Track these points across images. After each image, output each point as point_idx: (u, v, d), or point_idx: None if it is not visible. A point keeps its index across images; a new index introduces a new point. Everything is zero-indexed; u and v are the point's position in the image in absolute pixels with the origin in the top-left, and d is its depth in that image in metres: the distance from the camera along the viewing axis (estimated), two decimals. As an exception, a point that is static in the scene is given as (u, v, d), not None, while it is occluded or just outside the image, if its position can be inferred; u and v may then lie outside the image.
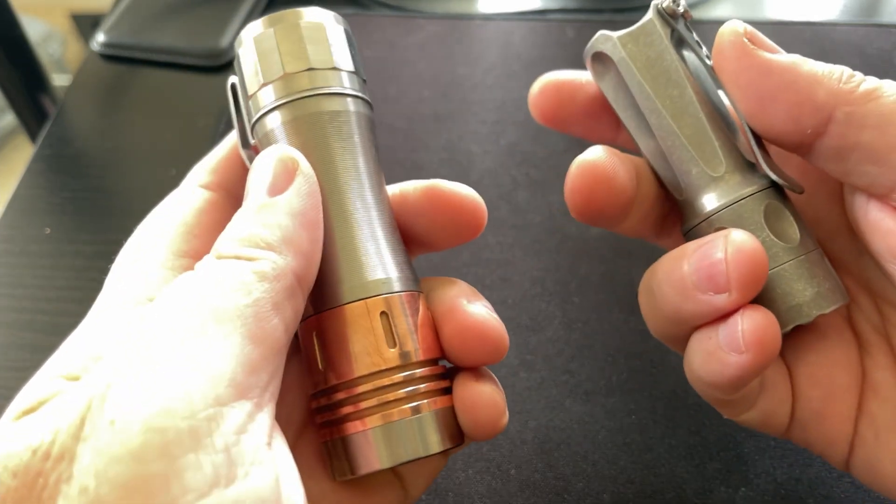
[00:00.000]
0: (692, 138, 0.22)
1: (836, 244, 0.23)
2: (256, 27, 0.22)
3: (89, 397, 0.15)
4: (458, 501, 0.27)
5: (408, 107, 0.44)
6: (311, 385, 0.21)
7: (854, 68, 0.24)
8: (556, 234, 0.36)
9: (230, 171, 0.23)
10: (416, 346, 0.20)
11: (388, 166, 0.40)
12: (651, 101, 0.23)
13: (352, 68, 0.23)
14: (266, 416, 0.17)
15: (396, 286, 0.21)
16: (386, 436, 0.19)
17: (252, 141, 0.22)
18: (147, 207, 0.36)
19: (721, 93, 0.23)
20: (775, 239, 0.21)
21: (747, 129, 0.22)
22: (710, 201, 0.22)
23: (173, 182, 0.41)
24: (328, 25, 0.22)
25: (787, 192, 0.22)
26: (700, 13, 0.51)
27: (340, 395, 0.20)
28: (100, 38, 0.49)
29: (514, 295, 0.34)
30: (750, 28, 0.22)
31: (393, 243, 0.21)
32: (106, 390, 0.15)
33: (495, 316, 0.21)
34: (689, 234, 0.23)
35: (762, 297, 0.21)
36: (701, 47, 0.23)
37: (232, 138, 0.24)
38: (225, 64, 0.48)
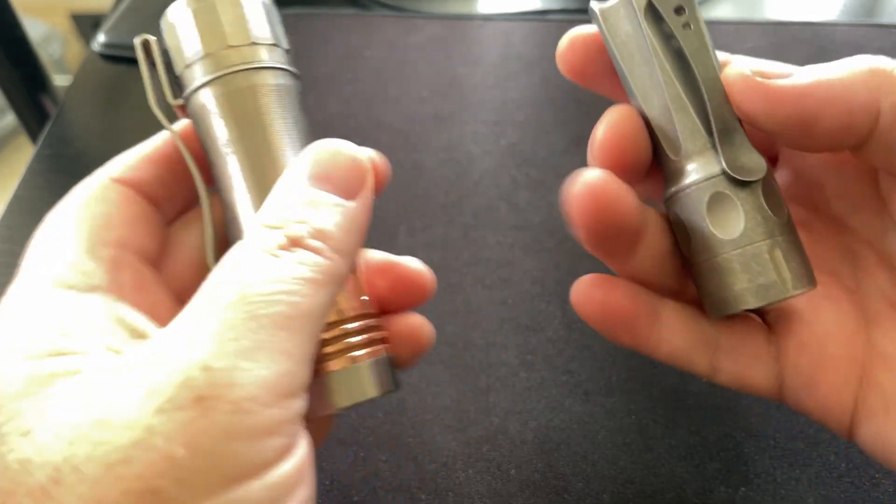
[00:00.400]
0: (657, 120, 0.22)
1: (860, 217, 0.23)
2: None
3: (162, 374, 0.16)
4: (459, 501, 0.27)
5: (408, 107, 0.44)
6: None
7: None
8: (556, 235, 0.36)
9: (149, 171, 0.23)
10: (366, 298, 0.22)
11: (389, 167, 0.40)
12: (624, 78, 0.23)
13: (285, 44, 0.23)
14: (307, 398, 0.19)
15: None
16: (329, 383, 0.21)
17: (175, 101, 0.23)
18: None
19: (698, 71, 0.22)
20: (712, 230, 0.21)
21: (712, 119, 0.22)
22: (667, 185, 0.23)
23: (173, 182, 0.41)
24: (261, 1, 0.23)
25: (770, 175, 0.22)
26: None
27: None
28: (100, 38, 0.50)
29: (514, 295, 0.34)
30: (753, 65, 0.21)
31: None
32: (184, 366, 0.16)
33: (424, 266, 0.24)
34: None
35: (702, 283, 0.22)
36: (687, 23, 0.22)
37: (154, 141, 0.24)
38: (225, 64, 0.48)
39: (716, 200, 0.22)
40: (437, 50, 0.48)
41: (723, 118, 0.22)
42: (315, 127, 0.44)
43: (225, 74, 0.22)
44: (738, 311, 0.22)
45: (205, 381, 0.16)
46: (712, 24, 0.48)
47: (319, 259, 0.19)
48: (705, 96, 0.22)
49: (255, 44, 0.22)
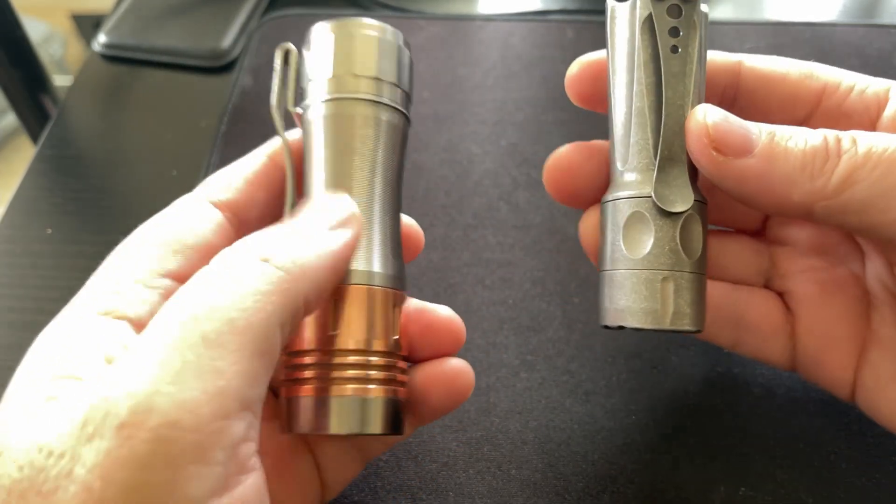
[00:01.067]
0: (617, 127, 0.23)
1: None
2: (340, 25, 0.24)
3: (97, 400, 0.16)
4: (459, 501, 0.27)
5: (408, 107, 0.44)
6: (291, 342, 0.22)
7: (854, 69, 0.25)
8: (556, 235, 0.36)
9: (248, 194, 0.23)
10: (398, 337, 0.23)
11: (389, 167, 0.40)
12: (609, 77, 0.24)
13: (406, 87, 0.25)
14: (258, 423, 0.18)
15: (397, 284, 0.23)
16: (331, 405, 0.21)
17: (294, 109, 0.24)
18: (148, 208, 0.36)
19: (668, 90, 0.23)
20: (622, 244, 0.23)
21: (660, 144, 0.22)
22: (607, 189, 0.24)
23: (174, 182, 0.41)
24: (397, 44, 0.25)
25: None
26: (700, 14, 0.51)
27: (317, 359, 0.22)
28: (101, 38, 0.50)
29: (515, 295, 0.34)
30: (714, 127, 0.21)
31: (395, 247, 0.24)
32: (112, 393, 0.16)
33: (455, 314, 0.24)
34: None
35: (600, 289, 0.24)
36: (676, 46, 0.22)
37: (255, 159, 0.24)
38: (226, 65, 0.48)
39: (634, 219, 0.22)
40: (437, 50, 0.48)
41: (671, 147, 0.22)
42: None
43: (338, 98, 0.23)
44: (616, 326, 0.23)
45: (125, 407, 0.15)
46: (712, 25, 0.48)
47: (269, 269, 0.18)
48: (662, 122, 0.22)
49: (377, 79, 0.23)
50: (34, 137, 0.55)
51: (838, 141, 0.21)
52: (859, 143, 0.20)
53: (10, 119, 1.04)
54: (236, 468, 0.16)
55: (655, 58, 0.22)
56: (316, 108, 0.23)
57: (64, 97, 0.48)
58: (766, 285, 0.28)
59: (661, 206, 0.22)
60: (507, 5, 0.52)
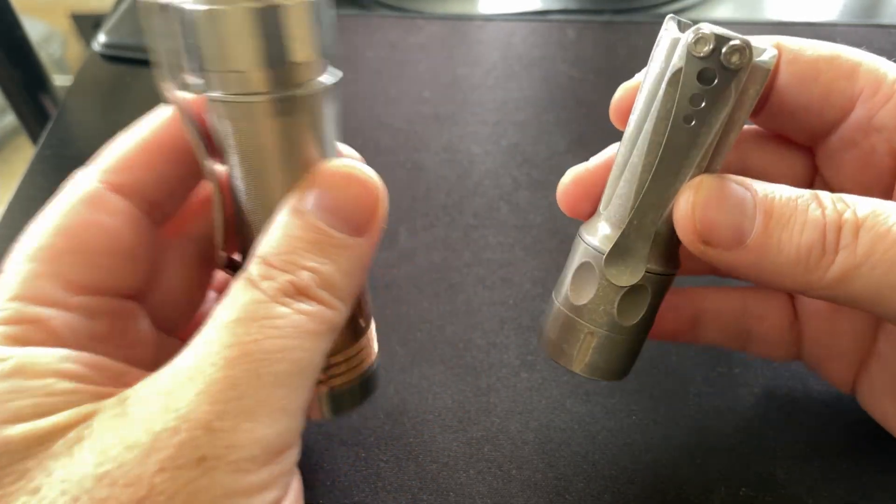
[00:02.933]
0: (616, 167, 0.22)
1: None
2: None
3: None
4: (460, 501, 0.27)
5: (408, 107, 0.44)
6: None
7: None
8: (557, 235, 0.36)
9: (145, 170, 0.21)
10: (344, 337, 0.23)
11: (389, 167, 0.40)
12: (635, 100, 0.22)
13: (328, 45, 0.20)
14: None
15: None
16: (333, 396, 0.23)
17: (193, 91, 0.20)
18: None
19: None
20: (567, 283, 0.23)
21: (634, 213, 0.21)
22: (588, 219, 0.23)
23: (174, 182, 0.41)
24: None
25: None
26: (700, 13, 0.51)
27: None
28: (101, 38, 0.50)
29: (515, 295, 0.34)
30: (702, 220, 0.20)
31: None
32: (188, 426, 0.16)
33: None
34: None
35: (547, 310, 0.24)
36: (691, 116, 0.20)
37: (148, 127, 0.21)
38: (226, 64, 0.48)
39: (585, 268, 0.22)
40: (437, 50, 0.48)
41: (643, 220, 0.21)
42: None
43: (245, 102, 0.19)
44: (541, 349, 0.24)
45: (207, 441, 0.16)
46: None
47: (323, 310, 0.18)
48: (643, 193, 0.21)
49: (315, 60, 0.19)
50: (34, 137, 0.55)
51: (838, 231, 0.19)
52: (861, 236, 0.18)
53: (10, 119, 1.04)
54: (289, 486, 0.18)
55: (668, 118, 0.20)
56: (220, 106, 0.19)
57: (64, 97, 0.48)
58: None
59: (606, 275, 0.22)
60: (508, 5, 0.52)
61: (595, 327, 0.22)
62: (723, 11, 0.52)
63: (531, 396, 0.30)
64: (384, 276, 0.35)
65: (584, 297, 0.22)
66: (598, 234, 0.22)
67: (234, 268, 0.22)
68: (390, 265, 0.35)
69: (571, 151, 0.40)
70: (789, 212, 0.19)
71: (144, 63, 0.49)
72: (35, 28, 1.07)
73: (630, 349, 0.23)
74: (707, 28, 0.18)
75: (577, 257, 0.23)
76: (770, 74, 0.20)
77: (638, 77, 0.23)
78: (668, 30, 0.20)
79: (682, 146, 0.20)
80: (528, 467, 0.28)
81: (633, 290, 0.22)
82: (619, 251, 0.21)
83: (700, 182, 0.20)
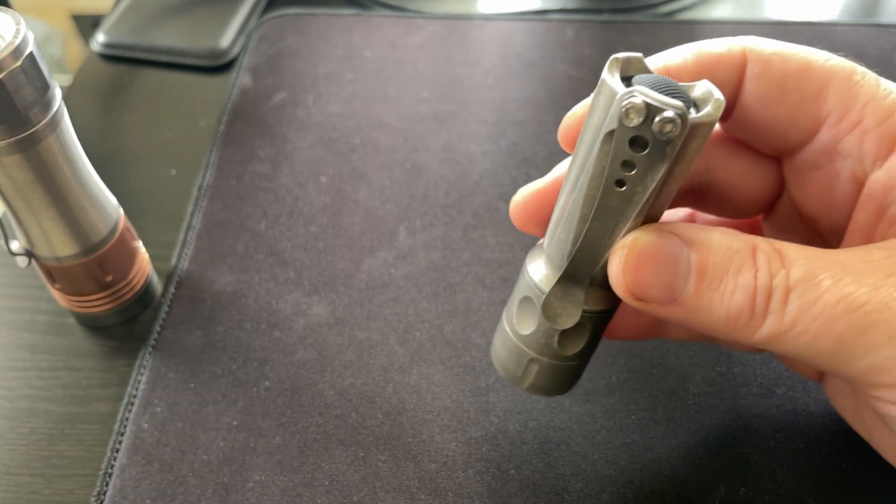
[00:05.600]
0: (558, 207, 0.22)
1: None
2: None
3: None
4: (458, 501, 0.27)
5: (408, 107, 0.44)
6: None
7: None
8: (556, 235, 0.36)
9: None
10: None
11: (388, 166, 0.40)
12: (574, 154, 0.21)
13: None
14: None
15: None
16: None
17: None
18: (147, 207, 0.36)
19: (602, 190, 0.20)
20: (514, 315, 0.23)
21: (569, 259, 0.21)
22: (536, 246, 0.24)
23: (173, 182, 0.41)
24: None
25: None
26: (700, 13, 0.50)
27: None
28: (100, 38, 0.49)
29: (514, 295, 0.34)
30: (633, 283, 0.20)
31: None
32: None
33: None
34: None
35: (499, 327, 0.25)
36: (623, 181, 0.19)
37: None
38: (225, 64, 0.48)
39: (527, 302, 0.23)
40: (437, 50, 0.48)
41: (577, 269, 0.21)
42: (315, 127, 0.44)
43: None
44: (492, 362, 0.25)
45: None
46: (713, 25, 0.48)
47: None
48: (577, 246, 0.20)
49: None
50: (33, 137, 0.55)
51: (768, 297, 0.19)
52: (790, 303, 0.19)
53: (10, 119, 1.03)
54: None
55: (601, 178, 0.19)
56: None
57: (63, 97, 0.48)
58: None
59: (544, 317, 0.22)
60: (507, 4, 0.52)
61: (537, 355, 0.23)
62: (722, 11, 0.52)
63: (530, 396, 0.30)
64: (383, 276, 0.35)
65: (527, 328, 0.23)
66: (539, 270, 0.22)
67: None
68: (389, 264, 0.35)
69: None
70: (721, 273, 0.19)
71: (143, 63, 0.49)
72: (35, 28, 1.07)
73: (573, 373, 0.24)
74: (639, 97, 0.17)
75: (521, 288, 0.23)
76: (714, 124, 0.19)
77: (584, 103, 0.23)
78: (607, 80, 0.19)
79: (614, 208, 0.19)
80: (527, 467, 0.28)
81: (571, 329, 0.22)
82: (555, 297, 0.22)
83: (634, 241, 0.20)
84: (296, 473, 0.28)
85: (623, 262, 0.20)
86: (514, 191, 0.38)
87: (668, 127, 0.17)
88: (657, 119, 0.17)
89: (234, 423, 0.30)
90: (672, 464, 0.28)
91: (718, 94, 0.18)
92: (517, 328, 0.23)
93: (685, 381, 0.30)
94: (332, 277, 0.35)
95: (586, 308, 0.22)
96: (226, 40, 0.48)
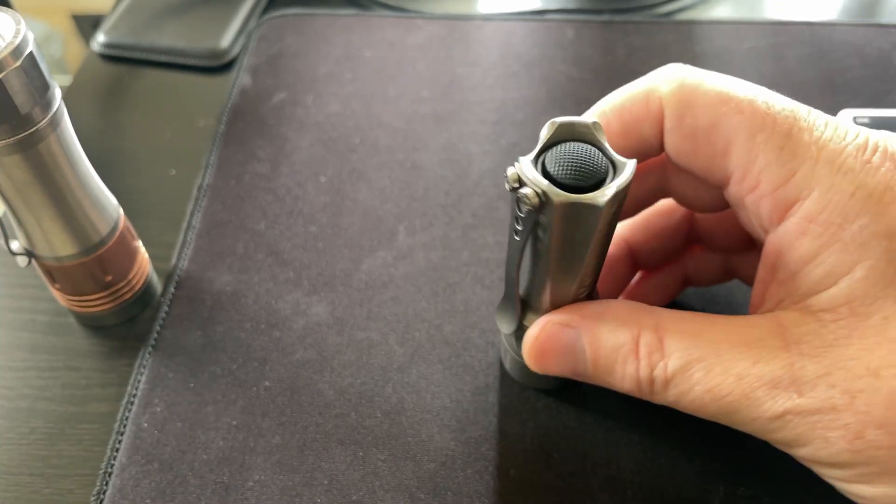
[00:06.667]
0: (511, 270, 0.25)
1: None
2: None
3: None
4: (457, 501, 0.27)
5: (408, 107, 0.44)
6: None
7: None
8: (555, 234, 0.36)
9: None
10: None
11: (388, 166, 0.40)
12: None
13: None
14: None
15: None
16: None
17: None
18: (147, 207, 0.36)
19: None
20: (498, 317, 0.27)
21: (505, 288, 0.25)
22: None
23: (173, 182, 0.41)
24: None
25: None
26: (700, 13, 0.50)
27: None
28: (100, 38, 0.50)
29: (514, 295, 0.34)
30: (541, 366, 0.25)
31: None
32: None
33: None
34: None
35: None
36: (517, 222, 0.22)
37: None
38: (225, 64, 0.48)
39: (502, 308, 0.27)
40: (436, 50, 0.48)
41: (511, 293, 0.25)
42: (315, 127, 0.44)
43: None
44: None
45: None
46: (711, 25, 0.48)
47: None
48: (509, 275, 0.24)
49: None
50: (33, 137, 0.55)
51: (651, 384, 0.22)
52: (669, 390, 0.22)
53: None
54: None
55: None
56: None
57: (63, 97, 0.48)
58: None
59: (496, 321, 0.27)
60: (507, 5, 0.52)
61: (508, 347, 0.29)
62: (722, 11, 0.52)
63: (529, 396, 0.30)
64: (382, 276, 0.35)
65: (507, 326, 0.27)
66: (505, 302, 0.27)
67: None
68: (388, 264, 0.35)
69: (570, 151, 0.40)
70: (611, 363, 0.23)
71: (143, 63, 0.49)
72: (35, 28, 1.07)
73: (531, 371, 0.26)
74: (512, 169, 0.21)
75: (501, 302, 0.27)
76: (606, 210, 0.20)
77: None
78: (522, 161, 0.22)
79: (514, 253, 0.23)
80: (527, 467, 0.28)
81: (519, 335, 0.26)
82: (502, 307, 0.26)
83: (538, 334, 0.24)
84: (295, 473, 0.28)
85: (529, 351, 0.25)
86: (513, 191, 0.38)
87: (524, 202, 0.20)
88: (518, 194, 0.20)
89: (234, 422, 0.30)
90: (672, 463, 0.28)
91: (609, 191, 0.20)
92: (501, 327, 0.28)
93: (684, 381, 0.30)
94: (331, 277, 0.35)
95: (524, 324, 0.26)
96: (226, 40, 0.48)
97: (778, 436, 0.21)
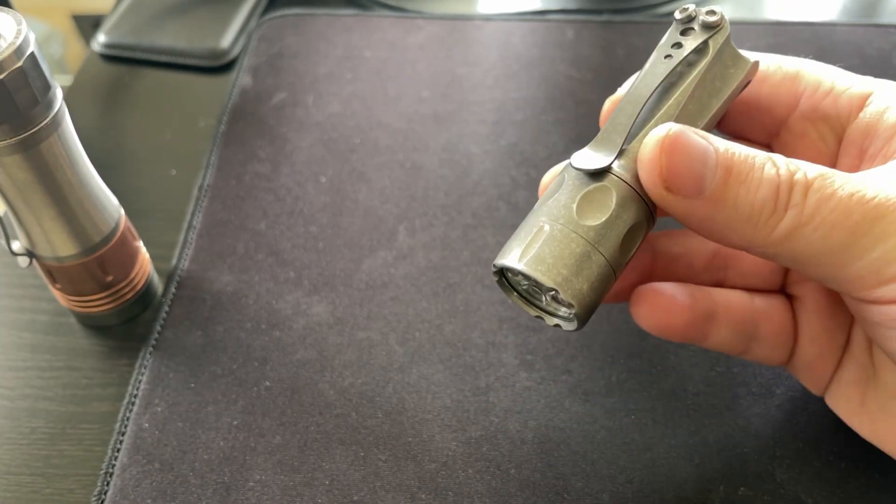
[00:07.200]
0: (621, 103, 0.23)
1: None
2: None
3: None
4: (458, 501, 0.27)
5: (408, 107, 0.44)
6: None
7: (854, 68, 0.25)
8: (555, 234, 0.36)
9: None
10: None
11: (388, 166, 0.40)
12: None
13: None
14: None
15: None
16: None
17: None
18: (148, 207, 0.36)
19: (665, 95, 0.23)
20: (571, 211, 0.21)
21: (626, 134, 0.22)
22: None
23: (174, 182, 0.41)
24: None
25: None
26: (700, 13, 0.51)
27: None
28: (100, 38, 0.50)
29: (514, 295, 0.34)
30: (668, 168, 0.20)
31: None
32: None
33: None
34: None
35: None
36: (679, 47, 0.23)
37: None
38: (226, 64, 0.48)
39: (596, 192, 0.22)
40: (437, 50, 0.48)
41: (619, 127, 0.22)
42: (315, 127, 0.44)
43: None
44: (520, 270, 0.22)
45: None
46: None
47: None
48: (634, 119, 0.22)
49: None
50: (33, 137, 0.55)
51: (790, 191, 0.20)
52: (809, 196, 0.20)
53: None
54: None
55: (651, 56, 0.24)
56: None
57: (63, 97, 0.48)
58: (782, 289, 0.28)
59: (573, 162, 0.23)
60: (507, 5, 0.52)
61: (600, 250, 0.21)
62: (722, 11, 0.52)
63: (530, 396, 0.30)
64: (382, 276, 0.35)
65: (595, 217, 0.21)
66: (596, 153, 0.22)
67: None
68: (389, 264, 0.35)
69: (570, 151, 0.40)
70: (747, 168, 0.20)
71: (144, 63, 0.49)
72: (35, 28, 1.07)
73: (571, 247, 0.21)
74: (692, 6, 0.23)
75: (577, 187, 0.22)
76: (751, 72, 0.24)
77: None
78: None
79: (656, 75, 0.23)
80: (527, 466, 0.28)
81: (590, 192, 0.21)
82: (583, 153, 0.23)
83: (669, 128, 0.21)
84: (296, 473, 0.28)
85: (659, 146, 0.20)
86: (513, 191, 0.38)
87: (711, 17, 0.23)
88: (702, 13, 0.23)
89: (235, 422, 0.30)
90: (671, 463, 0.28)
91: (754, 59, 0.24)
92: (580, 218, 0.21)
93: (684, 381, 0.31)
94: (332, 277, 0.35)
95: (617, 171, 0.22)
96: (226, 40, 0.48)
97: None
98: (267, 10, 0.52)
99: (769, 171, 0.20)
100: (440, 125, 0.42)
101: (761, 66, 0.25)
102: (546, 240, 0.21)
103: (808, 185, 0.20)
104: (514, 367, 0.31)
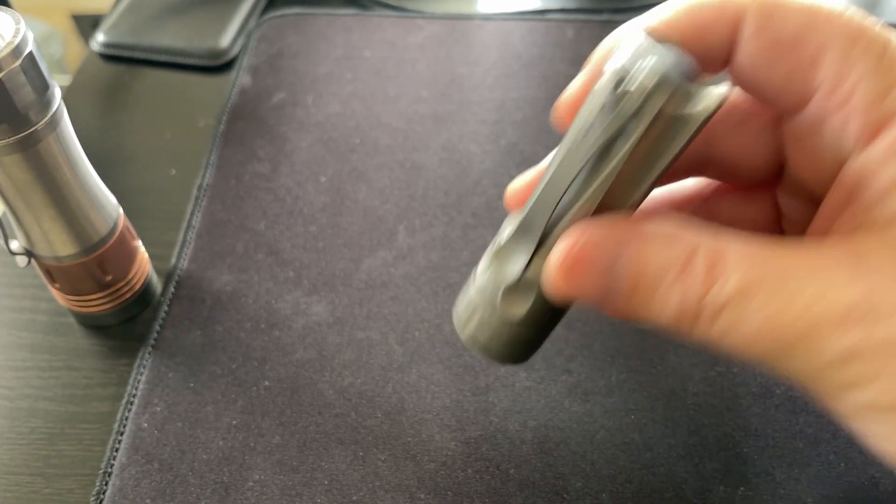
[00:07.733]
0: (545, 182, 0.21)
1: None
2: None
3: None
4: (458, 501, 0.27)
5: (407, 107, 0.44)
6: None
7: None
8: (555, 234, 0.36)
9: None
10: None
11: (388, 166, 0.40)
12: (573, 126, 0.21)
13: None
14: None
15: None
16: None
17: None
18: (147, 207, 0.36)
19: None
20: (488, 266, 0.22)
21: (529, 207, 0.21)
22: None
23: (173, 182, 0.41)
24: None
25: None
26: (700, 13, 0.51)
27: None
28: (99, 38, 0.50)
29: (514, 295, 0.34)
30: (567, 283, 0.20)
31: None
32: None
33: None
34: None
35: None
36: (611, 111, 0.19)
37: None
38: (225, 64, 0.48)
39: (506, 248, 0.22)
40: (436, 50, 0.48)
41: (535, 214, 0.21)
42: (315, 127, 0.44)
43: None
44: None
45: None
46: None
47: None
48: (541, 188, 0.20)
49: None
50: (33, 137, 0.55)
51: (695, 317, 0.19)
52: (720, 320, 0.18)
53: (10, 119, 1.03)
54: None
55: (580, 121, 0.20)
56: None
57: (62, 96, 0.48)
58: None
59: (481, 266, 0.22)
60: (507, 4, 0.52)
61: (485, 304, 0.22)
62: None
63: (529, 396, 0.30)
64: (382, 276, 0.35)
65: (481, 276, 0.22)
66: (505, 227, 0.22)
67: None
68: (388, 264, 0.35)
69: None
70: (654, 285, 0.19)
71: (143, 63, 0.49)
72: (35, 28, 1.07)
73: (513, 340, 0.23)
74: (629, 48, 0.18)
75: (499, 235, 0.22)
76: (717, 109, 0.18)
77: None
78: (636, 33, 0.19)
79: (571, 166, 0.19)
80: (526, 466, 0.28)
81: (517, 287, 0.21)
82: (503, 250, 0.21)
83: (576, 238, 0.19)
84: (295, 473, 0.28)
85: (559, 264, 0.20)
86: (513, 190, 0.38)
87: (642, 83, 0.18)
88: (636, 66, 0.18)
89: (234, 422, 0.30)
90: (671, 463, 0.28)
91: (721, 92, 0.18)
92: (476, 275, 0.22)
93: (684, 381, 0.31)
94: (331, 277, 0.35)
95: (532, 271, 0.21)
96: (226, 40, 0.48)
97: (838, 377, 0.18)
98: (266, 9, 0.52)
99: (675, 292, 0.19)
100: (440, 125, 0.42)
101: (775, 41, 0.20)
102: (478, 323, 0.23)
103: (719, 307, 0.18)
104: (513, 367, 0.31)
